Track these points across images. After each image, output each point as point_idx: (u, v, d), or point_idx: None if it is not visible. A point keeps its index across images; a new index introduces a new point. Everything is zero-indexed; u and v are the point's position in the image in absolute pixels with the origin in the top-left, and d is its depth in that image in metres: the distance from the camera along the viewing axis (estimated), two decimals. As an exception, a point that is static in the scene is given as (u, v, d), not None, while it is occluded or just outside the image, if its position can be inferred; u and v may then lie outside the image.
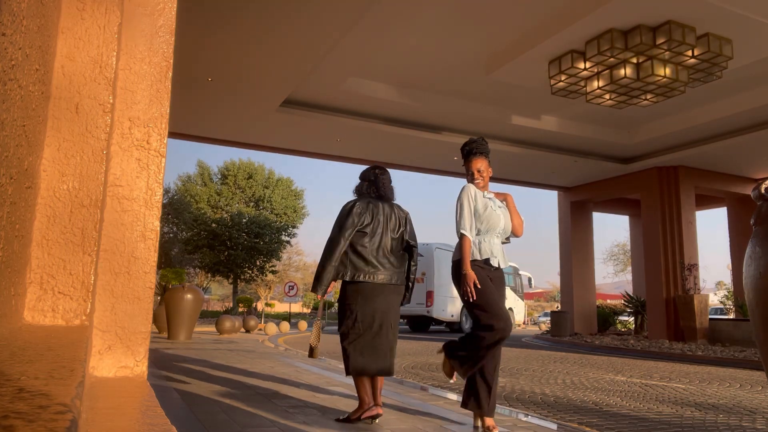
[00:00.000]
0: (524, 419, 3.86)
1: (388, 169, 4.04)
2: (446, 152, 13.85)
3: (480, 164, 3.71)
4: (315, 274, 3.67)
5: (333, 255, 3.61)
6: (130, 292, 1.62)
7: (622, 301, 18.03)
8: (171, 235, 28.52)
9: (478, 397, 3.37)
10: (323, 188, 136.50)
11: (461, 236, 3.55)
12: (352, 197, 3.90)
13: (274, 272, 36.10)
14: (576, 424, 3.96)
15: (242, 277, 34.53)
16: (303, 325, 18.63)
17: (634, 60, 8.27)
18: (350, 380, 5.48)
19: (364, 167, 4.03)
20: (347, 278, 3.63)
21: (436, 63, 9.75)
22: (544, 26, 8.30)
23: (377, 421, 3.51)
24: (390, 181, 3.97)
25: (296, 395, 4.48)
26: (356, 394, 3.67)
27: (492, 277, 3.56)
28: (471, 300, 3.43)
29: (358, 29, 8.28)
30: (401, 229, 3.82)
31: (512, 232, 3.75)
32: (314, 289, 3.63)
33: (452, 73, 10.11)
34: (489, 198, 3.70)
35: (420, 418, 3.71)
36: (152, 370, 5.61)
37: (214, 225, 32.94)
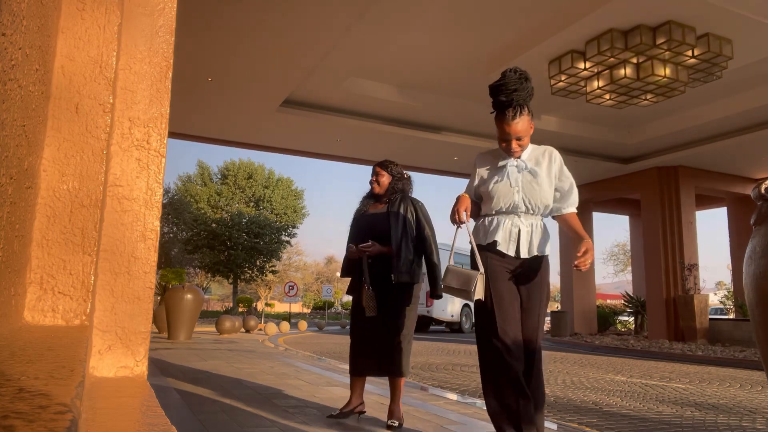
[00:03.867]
0: (524, 419, 3.85)
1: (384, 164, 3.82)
2: (446, 152, 13.85)
3: (520, 128, 2.46)
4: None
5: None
6: (130, 292, 1.62)
7: (622, 301, 18.03)
8: (171, 235, 28.54)
9: None
10: (323, 188, 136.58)
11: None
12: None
13: (274, 272, 36.16)
14: (576, 424, 3.96)
15: (242, 277, 34.57)
16: (303, 325, 18.62)
17: (634, 60, 8.27)
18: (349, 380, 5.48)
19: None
20: (417, 280, 3.76)
21: (436, 63, 9.75)
22: (544, 26, 8.30)
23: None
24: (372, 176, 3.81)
25: (296, 395, 4.48)
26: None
27: (512, 270, 2.61)
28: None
29: (359, 29, 8.28)
30: None
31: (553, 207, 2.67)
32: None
33: (452, 73, 10.11)
34: (514, 165, 2.56)
35: (420, 419, 3.71)
36: (152, 370, 5.61)
37: (214, 225, 32.99)
